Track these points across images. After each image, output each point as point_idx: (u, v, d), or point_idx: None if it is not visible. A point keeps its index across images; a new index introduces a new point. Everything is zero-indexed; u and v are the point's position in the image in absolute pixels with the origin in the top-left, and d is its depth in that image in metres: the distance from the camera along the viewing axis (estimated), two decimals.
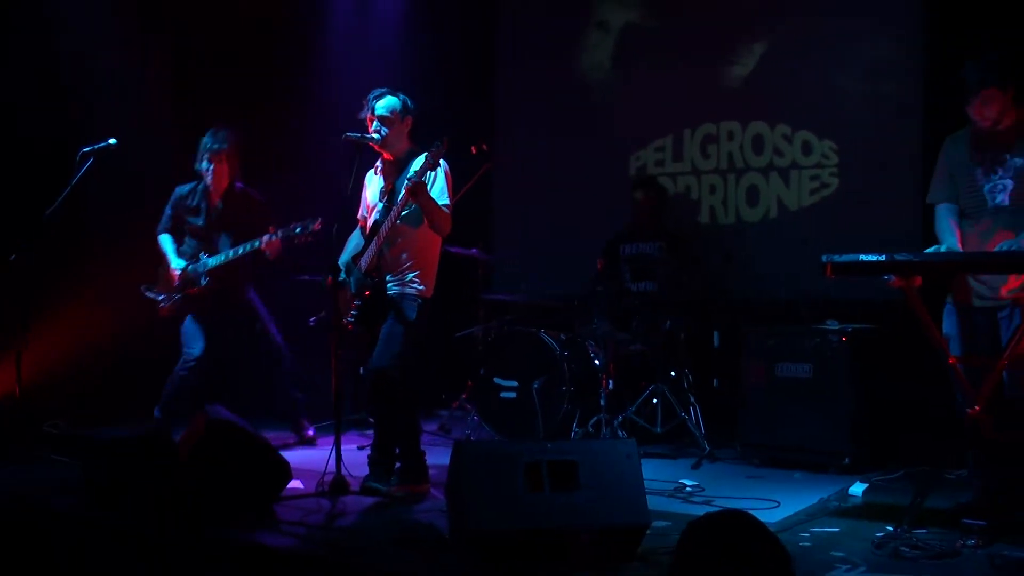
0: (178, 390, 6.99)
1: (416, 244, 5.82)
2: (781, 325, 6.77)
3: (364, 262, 5.79)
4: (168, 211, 7.16)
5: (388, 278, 5.79)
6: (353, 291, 5.85)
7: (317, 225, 6.53)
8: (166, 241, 7.13)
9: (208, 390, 7.09)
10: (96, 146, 6.44)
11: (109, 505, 5.29)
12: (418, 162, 5.69)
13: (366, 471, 5.85)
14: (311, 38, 9.02)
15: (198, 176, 7.08)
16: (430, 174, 5.72)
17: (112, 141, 6.46)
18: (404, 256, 5.80)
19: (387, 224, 5.66)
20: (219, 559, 4.76)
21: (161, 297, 7.08)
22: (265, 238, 6.74)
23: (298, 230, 6.60)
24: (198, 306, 7.04)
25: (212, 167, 6.98)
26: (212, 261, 6.96)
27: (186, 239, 7.14)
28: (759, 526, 3.29)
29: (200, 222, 7.07)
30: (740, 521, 3.30)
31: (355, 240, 6.08)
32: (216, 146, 6.97)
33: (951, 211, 5.16)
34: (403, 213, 5.64)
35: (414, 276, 5.81)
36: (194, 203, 7.09)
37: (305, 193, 7.97)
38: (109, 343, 7.81)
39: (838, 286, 6.30)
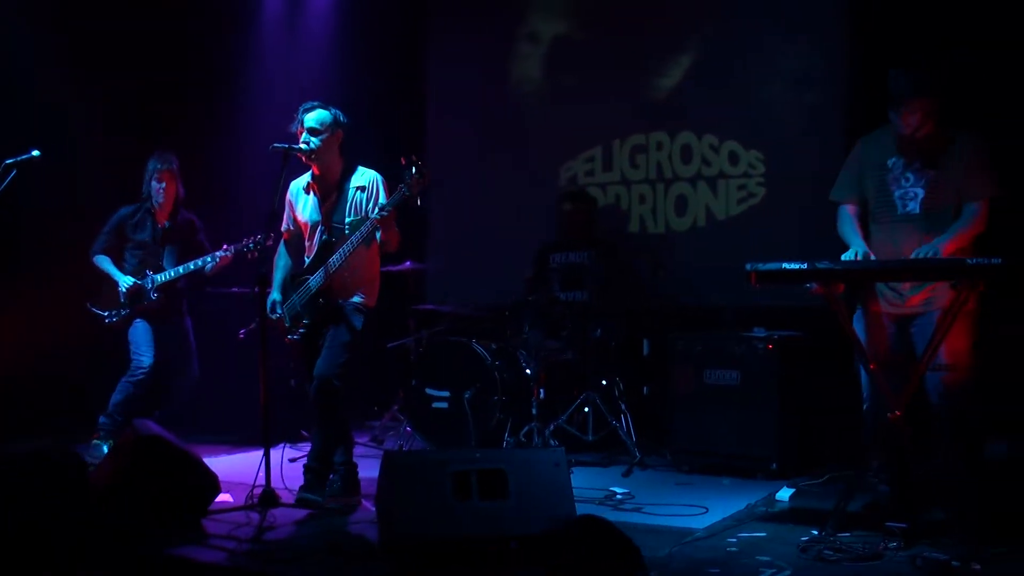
0: (128, 399, 7.12)
1: (364, 261, 5.87)
2: (709, 332, 6.84)
3: (314, 284, 5.78)
4: (106, 231, 7.32)
5: (340, 296, 5.82)
6: (299, 309, 5.84)
7: (269, 241, 6.61)
8: (105, 261, 7.27)
9: (147, 402, 7.24)
10: (19, 158, 6.33)
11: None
12: (361, 177, 5.84)
13: (296, 483, 5.83)
14: (240, 50, 8.97)
15: (142, 200, 7.29)
16: (376, 191, 5.81)
17: (35, 153, 6.35)
18: (354, 273, 5.84)
19: (346, 250, 5.67)
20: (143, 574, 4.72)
21: (106, 313, 7.20)
22: (219, 254, 7.02)
23: (251, 245, 6.84)
24: (140, 320, 7.20)
25: (163, 185, 7.22)
26: (160, 277, 7.16)
27: (128, 256, 7.28)
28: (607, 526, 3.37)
29: (146, 238, 7.26)
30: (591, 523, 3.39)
31: (284, 256, 6.06)
32: (164, 165, 7.23)
33: (853, 212, 5.28)
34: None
35: (364, 290, 5.87)
36: (139, 224, 7.27)
37: (232, 203, 7.96)
38: (35, 357, 7.72)
39: (767, 294, 6.37)
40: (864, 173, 5.24)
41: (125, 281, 7.16)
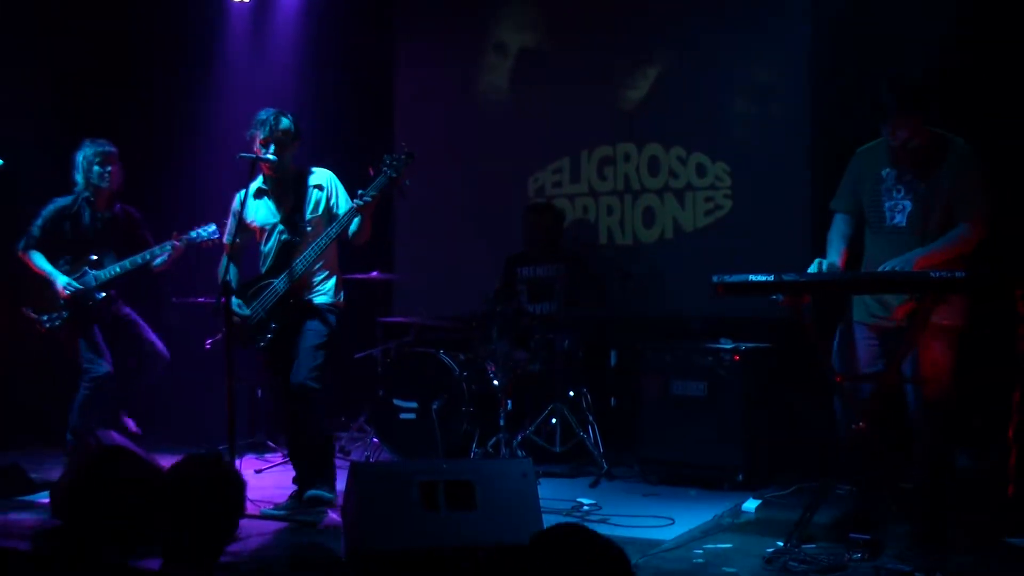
0: (91, 414, 6.65)
1: (327, 258, 5.89)
2: (676, 343, 6.84)
3: (281, 286, 5.77)
4: (40, 225, 6.76)
5: (307, 294, 5.84)
6: (264, 315, 5.82)
7: (211, 227, 6.51)
8: (41, 258, 6.71)
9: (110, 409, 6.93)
10: None
11: None
12: (317, 176, 5.89)
13: (262, 495, 5.82)
14: (204, 62, 8.96)
15: (77, 191, 6.80)
16: (335, 187, 5.85)
17: None
18: (318, 269, 5.87)
19: (321, 243, 5.69)
20: None
21: (44, 317, 6.68)
22: (168, 245, 6.60)
23: (203, 235, 6.53)
24: (85, 324, 6.72)
25: (109, 169, 6.74)
26: (104, 274, 6.70)
27: (64, 252, 6.76)
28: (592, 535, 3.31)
29: (85, 231, 6.76)
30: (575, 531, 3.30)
31: (232, 269, 6.01)
32: (108, 148, 6.77)
33: (845, 222, 5.24)
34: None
35: (330, 288, 5.90)
36: (76, 216, 6.78)
37: (193, 212, 7.92)
38: None
39: (734, 305, 6.42)
40: (860, 184, 5.20)
41: (63, 281, 6.62)
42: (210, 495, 3.37)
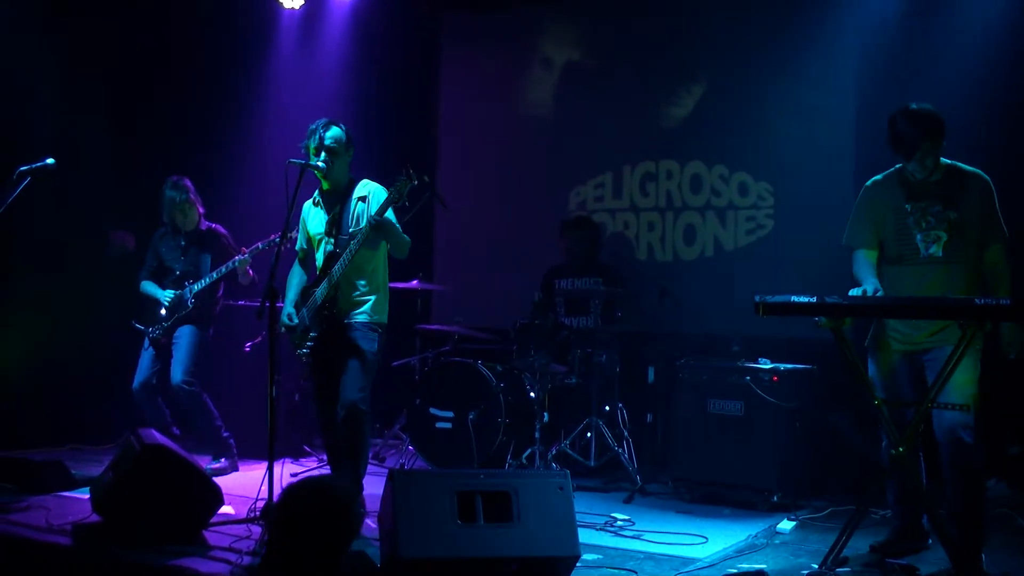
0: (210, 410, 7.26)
1: (368, 271, 5.92)
2: (714, 362, 6.83)
3: (319, 295, 5.82)
4: (147, 257, 7.44)
5: (346, 309, 5.86)
6: (307, 323, 5.88)
7: (274, 235, 6.81)
8: (148, 285, 7.34)
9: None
10: (34, 165, 6.34)
11: None
12: (363, 188, 5.90)
13: None
14: (255, 64, 9.04)
15: (168, 223, 7.36)
16: (376, 200, 5.83)
17: (50, 161, 6.37)
18: (360, 285, 5.89)
19: (345, 259, 5.72)
20: None
21: (151, 328, 7.22)
22: (238, 258, 7.03)
23: (261, 246, 6.95)
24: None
25: (187, 216, 7.28)
26: (196, 286, 7.19)
27: (166, 274, 7.34)
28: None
29: (174, 254, 7.33)
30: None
31: (298, 275, 6.10)
32: (181, 196, 7.24)
33: (870, 256, 5.25)
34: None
35: (371, 305, 5.90)
36: (167, 245, 7.36)
37: (246, 217, 8.00)
38: (38, 365, 7.81)
39: (774, 325, 6.40)
40: (879, 217, 5.21)
41: (165, 295, 7.22)
42: (319, 519, 3.50)
